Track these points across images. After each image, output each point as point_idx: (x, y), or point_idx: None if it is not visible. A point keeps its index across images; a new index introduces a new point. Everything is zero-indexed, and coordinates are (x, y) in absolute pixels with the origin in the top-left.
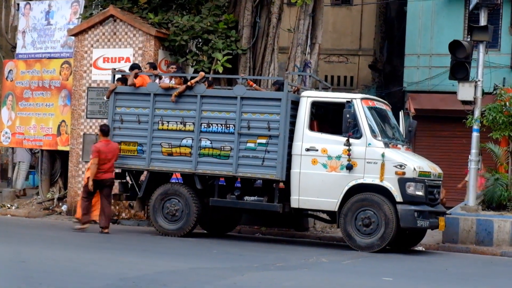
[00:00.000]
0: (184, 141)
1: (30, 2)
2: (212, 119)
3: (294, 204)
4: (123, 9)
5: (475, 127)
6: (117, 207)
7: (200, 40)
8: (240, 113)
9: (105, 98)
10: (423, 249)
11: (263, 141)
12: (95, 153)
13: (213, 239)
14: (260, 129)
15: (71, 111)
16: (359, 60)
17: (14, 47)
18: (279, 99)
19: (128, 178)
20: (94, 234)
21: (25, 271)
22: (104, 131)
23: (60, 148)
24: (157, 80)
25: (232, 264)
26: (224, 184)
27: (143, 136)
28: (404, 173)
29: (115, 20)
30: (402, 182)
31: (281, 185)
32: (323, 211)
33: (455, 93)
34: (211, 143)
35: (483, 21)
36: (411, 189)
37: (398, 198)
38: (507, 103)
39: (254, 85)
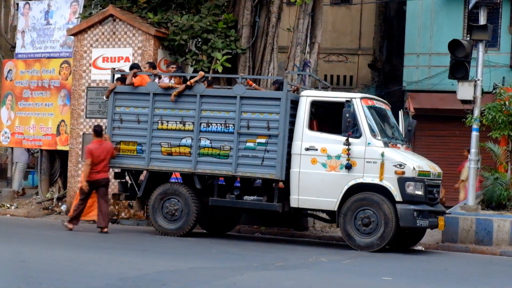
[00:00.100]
0: (183, 141)
1: (29, 1)
2: (211, 119)
3: (293, 203)
4: (123, 9)
5: (475, 126)
6: (116, 207)
7: (200, 40)
8: (239, 113)
9: (104, 97)
10: (423, 249)
11: (263, 140)
12: (87, 154)
13: (212, 238)
14: (259, 129)
15: (71, 111)
16: (359, 60)
17: (14, 46)
18: (279, 99)
19: (127, 177)
20: (93, 234)
21: (25, 271)
22: (97, 131)
23: (59, 148)
24: (156, 80)
25: (232, 264)
26: (224, 183)
27: (142, 135)
28: (403, 173)
29: (114, 20)
30: (402, 181)
31: (281, 184)
32: (323, 211)
33: (454, 92)
34: (210, 142)
35: (482, 20)
36: (410, 188)
37: (398, 197)
38: (507, 102)
39: (254, 84)
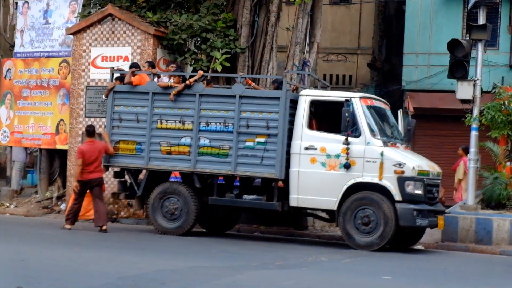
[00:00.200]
0: (183, 140)
1: (28, 1)
2: (211, 118)
3: (293, 203)
4: (122, 8)
5: (474, 126)
6: (116, 206)
7: (199, 39)
8: (239, 112)
9: (103, 97)
10: (422, 248)
11: (262, 140)
12: (78, 155)
13: (212, 238)
14: (259, 128)
15: (70, 110)
16: (358, 59)
17: (13, 46)
18: (278, 98)
19: (127, 177)
20: (93, 232)
21: (25, 270)
22: (89, 131)
23: (58, 147)
24: (155, 79)
25: (231, 263)
26: (223, 183)
27: (141, 135)
28: (403, 172)
29: (113, 19)
30: (401, 181)
31: (280, 184)
32: (322, 210)
33: (454, 92)
34: (210, 142)
35: (482, 20)
36: (410, 188)
37: (397, 197)
38: (506, 102)
39: (253, 84)
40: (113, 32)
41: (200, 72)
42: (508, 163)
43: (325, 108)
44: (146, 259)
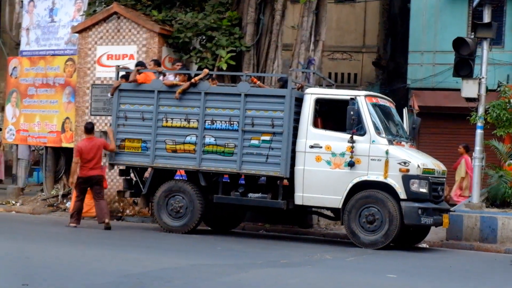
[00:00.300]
0: (188, 138)
1: None
2: (216, 116)
3: (298, 201)
4: (127, 6)
5: (479, 124)
6: (121, 204)
7: (204, 37)
8: (244, 110)
9: (109, 95)
10: (427, 246)
11: (267, 138)
12: (76, 152)
13: (217, 236)
14: (264, 126)
15: (75, 108)
16: (363, 57)
17: (18, 44)
18: (283, 96)
19: (132, 175)
20: (98, 230)
21: (30, 268)
22: (87, 128)
23: (64, 145)
24: (161, 77)
25: (236, 261)
26: (228, 181)
27: (147, 133)
28: (408, 170)
29: (118, 17)
30: (406, 179)
31: (285, 182)
32: (327, 208)
33: (459, 90)
34: (215, 140)
35: (487, 18)
36: (415, 186)
37: (402, 195)
38: (511, 100)
39: (258, 82)
40: (118, 31)
41: (206, 71)
42: (509, 161)
43: (330, 106)
44: (151, 257)
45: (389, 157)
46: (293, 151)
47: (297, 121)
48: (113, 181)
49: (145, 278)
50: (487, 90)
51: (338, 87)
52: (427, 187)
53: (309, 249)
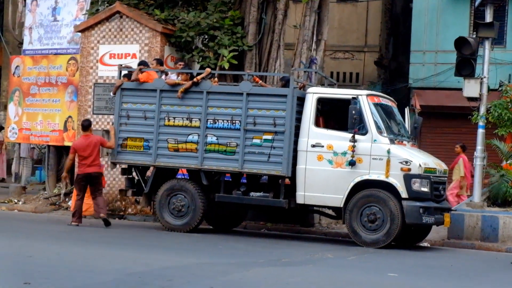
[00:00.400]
0: (190, 137)
1: None
2: (218, 115)
3: (299, 200)
4: (129, 6)
5: (481, 123)
6: (123, 203)
7: (206, 37)
8: (246, 109)
9: (111, 94)
10: (428, 245)
11: (269, 137)
12: (71, 149)
13: (219, 234)
14: (266, 125)
15: (78, 107)
16: (365, 57)
17: (21, 43)
18: (285, 96)
19: (134, 173)
20: (100, 229)
21: (32, 266)
22: (83, 125)
23: (66, 143)
24: (163, 76)
25: (238, 260)
26: (230, 180)
27: (149, 132)
28: (409, 170)
29: (121, 17)
30: (408, 178)
31: (287, 181)
32: (329, 207)
33: (460, 89)
34: (217, 139)
35: (488, 18)
36: (416, 185)
37: (404, 194)
38: None
39: (260, 81)
40: (121, 30)
41: (208, 70)
42: (508, 161)
43: (332, 106)
44: (153, 256)
45: (391, 156)
46: (295, 150)
47: (299, 120)
48: (115, 180)
49: (147, 276)
50: (489, 90)
51: (340, 86)
52: (429, 186)
53: (311, 248)
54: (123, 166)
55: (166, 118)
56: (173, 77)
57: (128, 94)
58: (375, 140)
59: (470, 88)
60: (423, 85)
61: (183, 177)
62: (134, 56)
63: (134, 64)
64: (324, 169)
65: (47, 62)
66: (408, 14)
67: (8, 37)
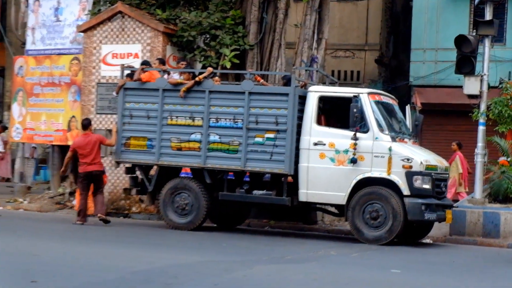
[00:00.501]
0: (193, 136)
1: None
2: (220, 114)
3: (302, 197)
4: (131, 6)
5: (481, 120)
6: (127, 201)
7: (208, 36)
8: (248, 108)
9: (114, 93)
10: (431, 242)
11: (271, 135)
12: (70, 147)
13: (222, 232)
14: (268, 124)
15: (81, 107)
16: (366, 55)
17: (24, 43)
18: (287, 94)
19: (138, 172)
20: (104, 228)
21: (38, 265)
22: (83, 124)
23: (70, 143)
24: (165, 76)
25: (241, 257)
26: (233, 178)
27: (152, 131)
28: (411, 167)
29: (123, 17)
30: (409, 175)
31: (290, 179)
32: (331, 205)
33: (461, 87)
34: (219, 137)
35: (488, 16)
36: (418, 182)
37: (406, 191)
38: None
39: (262, 80)
40: (123, 30)
41: (210, 69)
42: (503, 157)
43: (333, 104)
44: (158, 254)
45: (392, 154)
46: (297, 149)
47: (300, 118)
48: (119, 179)
49: (151, 274)
50: (489, 87)
51: (341, 84)
52: (430, 183)
53: (314, 245)
54: (127, 165)
55: (169, 117)
56: (175, 77)
57: (131, 93)
58: (376, 138)
59: (471, 86)
60: (424, 83)
61: (186, 175)
62: (136, 55)
63: (136, 63)
64: (326, 167)
65: (50, 62)
66: (408, 13)
67: (11, 38)
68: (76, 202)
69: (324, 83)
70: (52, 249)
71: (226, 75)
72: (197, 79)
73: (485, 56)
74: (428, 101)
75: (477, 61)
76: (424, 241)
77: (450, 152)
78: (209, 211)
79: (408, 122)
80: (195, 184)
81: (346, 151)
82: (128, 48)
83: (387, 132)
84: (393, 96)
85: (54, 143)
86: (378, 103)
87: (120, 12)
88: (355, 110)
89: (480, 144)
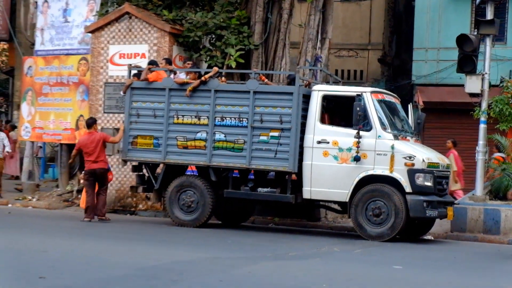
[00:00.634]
0: (198, 135)
1: (48, 0)
2: (225, 113)
3: (306, 195)
4: (138, 6)
5: (482, 119)
6: (134, 199)
7: (213, 36)
8: (253, 107)
9: (121, 93)
10: (432, 238)
11: (276, 134)
12: (76, 145)
13: (227, 229)
14: (272, 123)
15: (89, 106)
16: (369, 54)
17: (33, 44)
18: (291, 93)
19: (144, 170)
20: (111, 225)
21: (47, 261)
22: (87, 123)
23: None
24: (172, 75)
25: (246, 254)
26: (238, 176)
27: (159, 130)
28: (413, 164)
29: (130, 17)
30: (411, 173)
31: (294, 176)
32: (335, 202)
33: (462, 85)
34: (225, 136)
35: (489, 15)
36: (420, 180)
37: (408, 188)
38: None
39: (266, 80)
40: (130, 30)
41: (215, 69)
42: (498, 153)
43: (337, 103)
44: (164, 251)
45: (395, 152)
46: (301, 147)
47: (304, 117)
48: (126, 176)
49: (158, 270)
50: (490, 86)
51: (344, 83)
52: (432, 181)
53: (317, 242)
54: (134, 163)
55: (175, 116)
56: (181, 76)
57: (138, 93)
58: (379, 136)
59: (472, 84)
60: (426, 81)
61: (192, 173)
62: (143, 56)
63: (143, 63)
64: (329, 164)
65: (59, 62)
66: (411, 13)
67: (20, 38)
68: (81, 199)
69: (327, 82)
70: (60, 246)
71: (232, 74)
72: (203, 78)
73: (486, 55)
74: (430, 100)
75: (479, 60)
76: (425, 237)
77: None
78: (214, 208)
79: (411, 120)
80: (200, 182)
81: (349, 149)
82: (135, 48)
83: (389, 130)
84: (395, 95)
85: (62, 142)
86: (381, 101)
87: (127, 13)
88: (358, 108)
89: (481, 142)
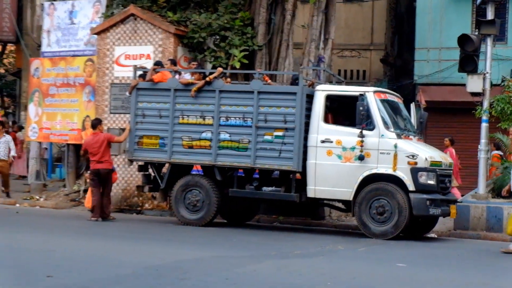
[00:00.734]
0: (203, 134)
1: (54, 2)
2: (230, 113)
3: (310, 194)
4: (143, 8)
5: (484, 118)
6: (140, 198)
7: (218, 37)
8: (257, 107)
9: (127, 93)
10: (435, 236)
11: (280, 133)
12: (82, 146)
13: (232, 228)
14: (276, 122)
15: (95, 107)
16: (371, 55)
17: (40, 45)
18: (295, 93)
19: (150, 170)
20: (117, 224)
21: (54, 260)
22: (92, 124)
23: None
24: (177, 76)
25: (251, 252)
26: (243, 175)
27: (164, 130)
28: (416, 163)
29: (135, 19)
30: (414, 171)
31: (298, 175)
32: (339, 201)
33: (464, 85)
34: (229, 136)
35: (490, 15)
36: (423, 178)
37: (411, 187)
38: None
39: (269, 80)
40: (135, 32)
41: (220, 69)
42: (495, 151)
43: (340, 103)
44: (170, 249)
45: (398, 151)
46: (305, 146)
47: (308, 117)
48: (132, 176)
49: (164, 269)
50: (492, 85)
51: (347, 83)
52: (435, 179)
53: (322, 240)
54: (140, 163)
55: (180, 116)
56: (186, 77)
57: (143, 93)
58: (382, 135)
59: (473, 84)
60: (428, 81)
61: (197, 173)
62: (148, 57)
63: (148, 64)
64: (333, 163)
65: (65, 64)
66: (412, 13)
67: (27, 40)
68: (86, 199)
69: (331, 82)
70: (67, 245)
71: (236, 75)
72: (207, 79)
73: (488, 55)
74: (432, 99)
75: (480, 59)
76: (429, 235)
77: (456, 148)
78: (220, 207)
79: (413, 119)
80: (206, 181)
81: (353, 148)
82: (140, 50)
83: (392, 130)
84: (398, 94)
85: (69, 142)
86: (383, 101)
87: (132, 14)
88: (361, 108)
89: (483, 140)
